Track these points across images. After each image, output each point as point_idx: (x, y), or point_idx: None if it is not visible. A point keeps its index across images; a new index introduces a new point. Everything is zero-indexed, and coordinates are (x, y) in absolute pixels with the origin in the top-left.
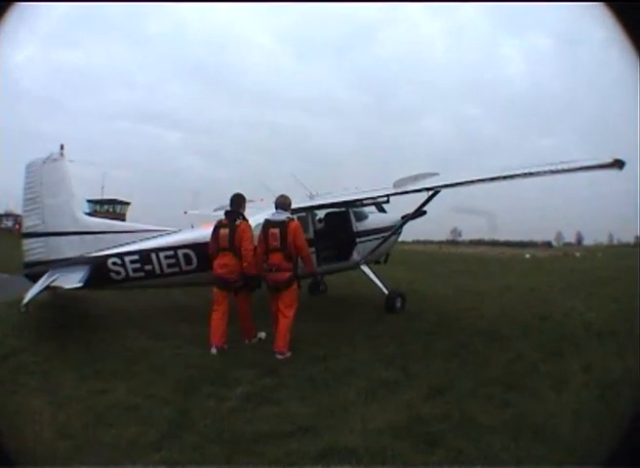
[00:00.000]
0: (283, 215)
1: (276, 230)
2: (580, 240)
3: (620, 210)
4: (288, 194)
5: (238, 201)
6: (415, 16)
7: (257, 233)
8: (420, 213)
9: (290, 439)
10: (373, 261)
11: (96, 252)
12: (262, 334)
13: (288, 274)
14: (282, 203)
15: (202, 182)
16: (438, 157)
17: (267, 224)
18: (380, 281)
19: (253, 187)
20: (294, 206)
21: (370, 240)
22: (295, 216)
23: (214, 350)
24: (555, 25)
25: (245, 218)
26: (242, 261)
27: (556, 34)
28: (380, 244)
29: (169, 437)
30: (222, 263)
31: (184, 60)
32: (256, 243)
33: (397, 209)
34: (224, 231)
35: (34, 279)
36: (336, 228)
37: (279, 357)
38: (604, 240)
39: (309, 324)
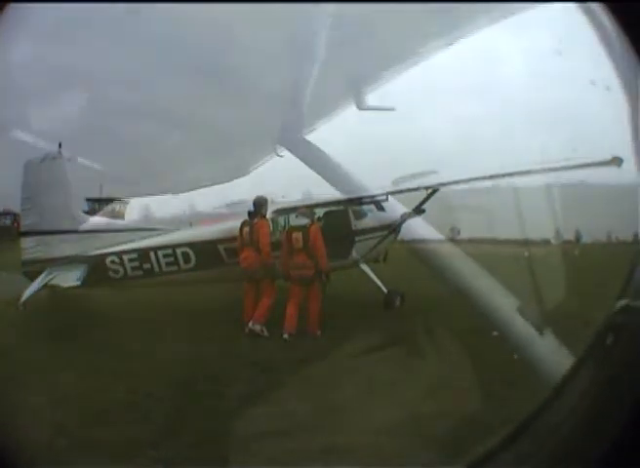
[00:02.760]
0: (304, 220)
1: (299, 233)
2: (578, 238)
3: (619, 208)
4: (287, 192)
5: (258, 202)
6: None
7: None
8: (418, 211)
9: (288, 438)
10: (372, 260)
11: (94, 250)
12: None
13: (312, 271)
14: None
15: (200, 181)
16: (437, 156)
17: (290, 228)
18: (379, 279)
19: (251, 185)
20: (293, 204)
21: (369, 238)
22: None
23: (251, 326)
24: (555, 24)
25: (263, 217)
26: (261, 254)
27: (557, 33)
28: (379, 242)
29: (166, 435)
30: (244, 257)
31: (184, 58)
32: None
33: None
34: (246, 229)
35: (32, 277)
36: (334, 226)
37: (318, 333)
38: (602, 238)
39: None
